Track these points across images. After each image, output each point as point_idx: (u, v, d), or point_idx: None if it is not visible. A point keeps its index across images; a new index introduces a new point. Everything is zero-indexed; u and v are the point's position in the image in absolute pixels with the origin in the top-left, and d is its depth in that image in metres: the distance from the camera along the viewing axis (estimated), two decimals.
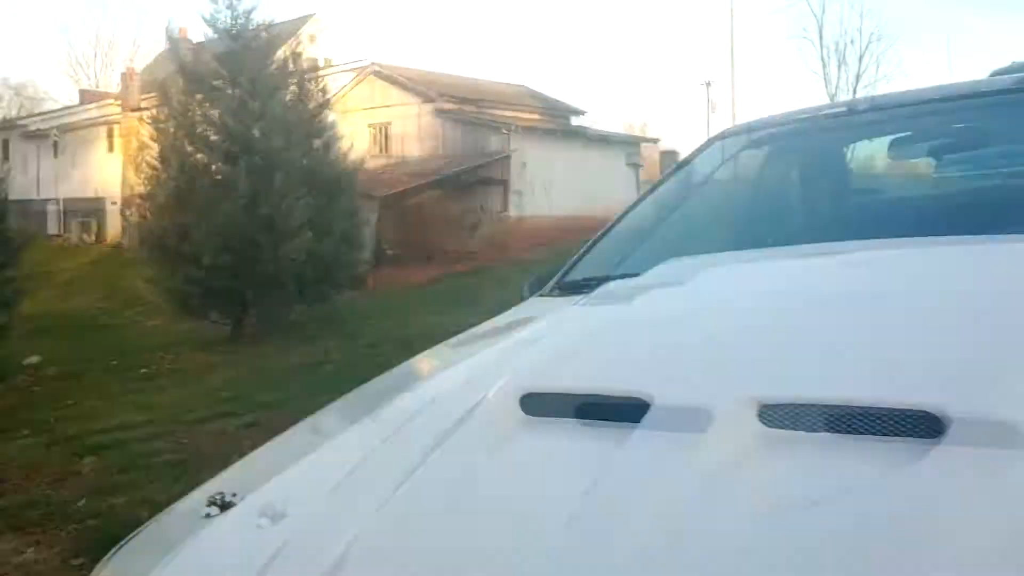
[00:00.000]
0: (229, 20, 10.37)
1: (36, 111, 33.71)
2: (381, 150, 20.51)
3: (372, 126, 21.23)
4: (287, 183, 9.89)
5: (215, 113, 10.16)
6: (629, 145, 21.93)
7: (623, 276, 1.94)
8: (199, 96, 10.54)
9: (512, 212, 19.45)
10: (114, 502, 4.84)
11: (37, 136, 27.15)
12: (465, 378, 1.44)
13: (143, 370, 9.62)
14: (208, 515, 1.10)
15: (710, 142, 2.81)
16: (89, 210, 27.26)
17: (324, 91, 11.35)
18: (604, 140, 21.87)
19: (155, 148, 10.23)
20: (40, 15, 73.31)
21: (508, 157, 19.04)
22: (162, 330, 15.17)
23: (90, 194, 27.17)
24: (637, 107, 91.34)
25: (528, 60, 74.03)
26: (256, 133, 10.35)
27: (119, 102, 28.14)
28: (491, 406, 1.16)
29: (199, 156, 10.31)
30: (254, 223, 9.86)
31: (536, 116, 22.17)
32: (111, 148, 26.83)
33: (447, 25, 77.41)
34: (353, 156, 11.94)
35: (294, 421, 5.67)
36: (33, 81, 42.64)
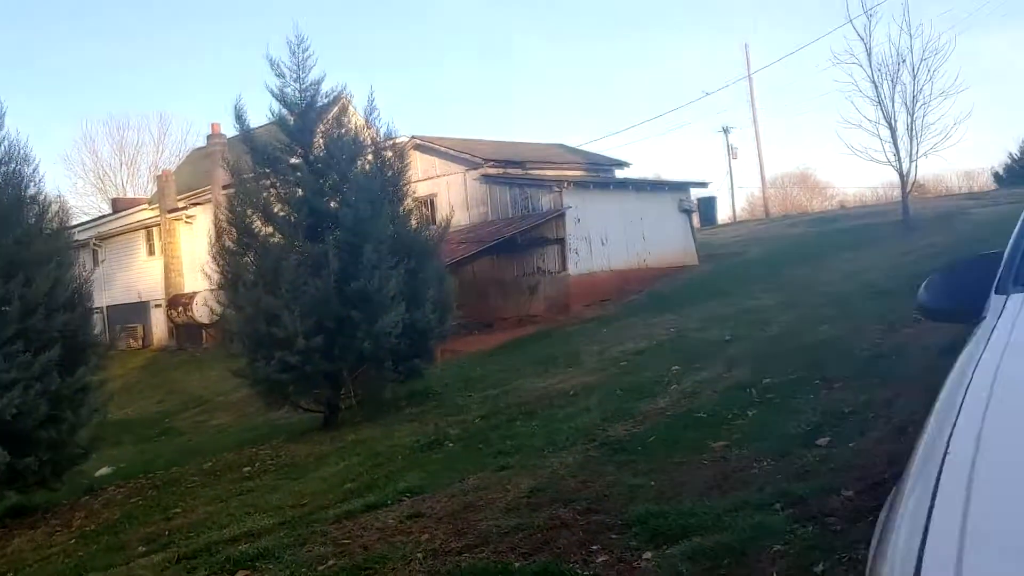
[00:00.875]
0: (298, 93, 9.97)
1: (70, 223, 33.77)
2: (428, 222, 20.03)
3: (417, 199, 20.83)
4: (377, 253, 9.33)
5: (297, 191, 9.68)
6: (679, 191, 21.41)
7: None
8: (272, 177, 10.10)
9: (571, 269, 18.86)
10: None
11: (76, 246, 26.98)
12: None
13: (245, 468, 8.88)
14: None
15: None
16: (133, 315, 26.98)
17: (401, 156, 10.90)
18: (654, 188, 21.39)
19: (233, 233, 9.71)
20: (63, 129, 75.07)
21: (562, 215, 18.56)
22: (234, 427, 14.53)
23: (133, 298, 26.95)
24: (646, 156, 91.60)
25: (534, 115, 74.60)
26: (334, 205, 9.86)
27: (155, 206, 28.09)
28: None
29: (279, 237, 9.79)
30: (346, 299, 9.27)
31: (582, 172, 21.76)
32: (151, 251, 26.69)
33: (454, 93, 78.47)
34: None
35: (462, 505, 4.67)
36: (61, 195, 42.91)
